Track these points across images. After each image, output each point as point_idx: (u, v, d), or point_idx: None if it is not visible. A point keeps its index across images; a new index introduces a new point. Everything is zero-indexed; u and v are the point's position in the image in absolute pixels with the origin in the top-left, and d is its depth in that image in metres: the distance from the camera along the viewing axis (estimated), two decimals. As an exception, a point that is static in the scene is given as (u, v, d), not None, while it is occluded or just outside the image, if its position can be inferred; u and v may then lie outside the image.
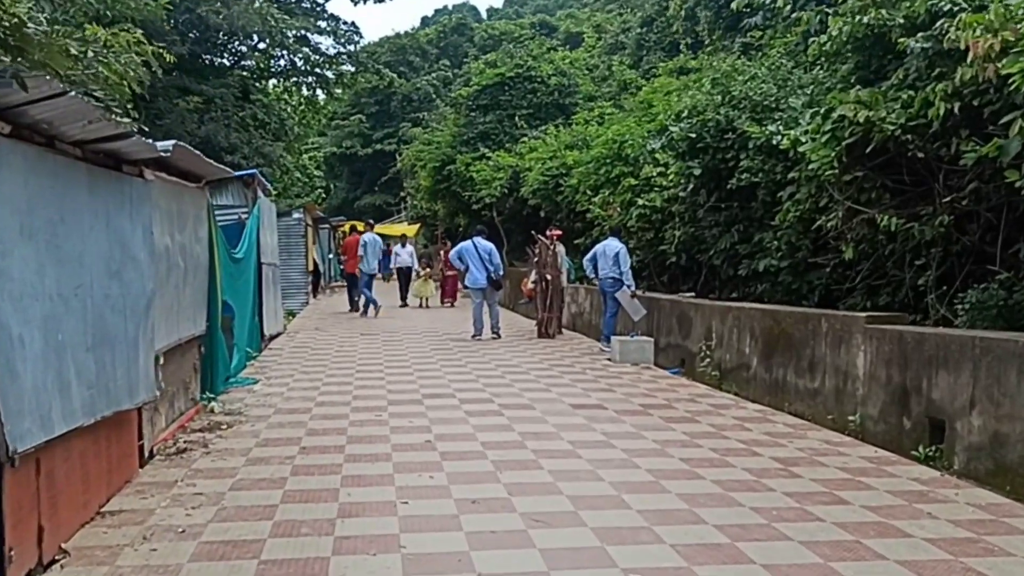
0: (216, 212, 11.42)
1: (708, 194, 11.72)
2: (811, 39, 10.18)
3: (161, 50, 7.97)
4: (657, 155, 13.49)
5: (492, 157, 24.34)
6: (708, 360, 10.17)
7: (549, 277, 14.46)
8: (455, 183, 27.11)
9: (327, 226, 29.78)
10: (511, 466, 6.25)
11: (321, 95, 32.88)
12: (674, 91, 17.27)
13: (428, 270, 22.42)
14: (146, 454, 6.27)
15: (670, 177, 12.86)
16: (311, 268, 22.71)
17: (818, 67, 10.81)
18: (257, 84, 29.31)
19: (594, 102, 26.16)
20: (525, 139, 23.84)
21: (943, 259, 7.81)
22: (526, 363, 11.69)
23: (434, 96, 50.77)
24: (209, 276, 8.12)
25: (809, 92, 10.52)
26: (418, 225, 41.71)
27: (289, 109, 30.74)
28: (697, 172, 11.37)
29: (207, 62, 21.65)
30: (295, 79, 29.77)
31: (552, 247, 14.58)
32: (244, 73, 27.39)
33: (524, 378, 10.35)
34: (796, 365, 8.36)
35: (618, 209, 15.31)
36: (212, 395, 8.53)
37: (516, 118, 26.02)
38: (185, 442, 6.99)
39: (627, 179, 14.39)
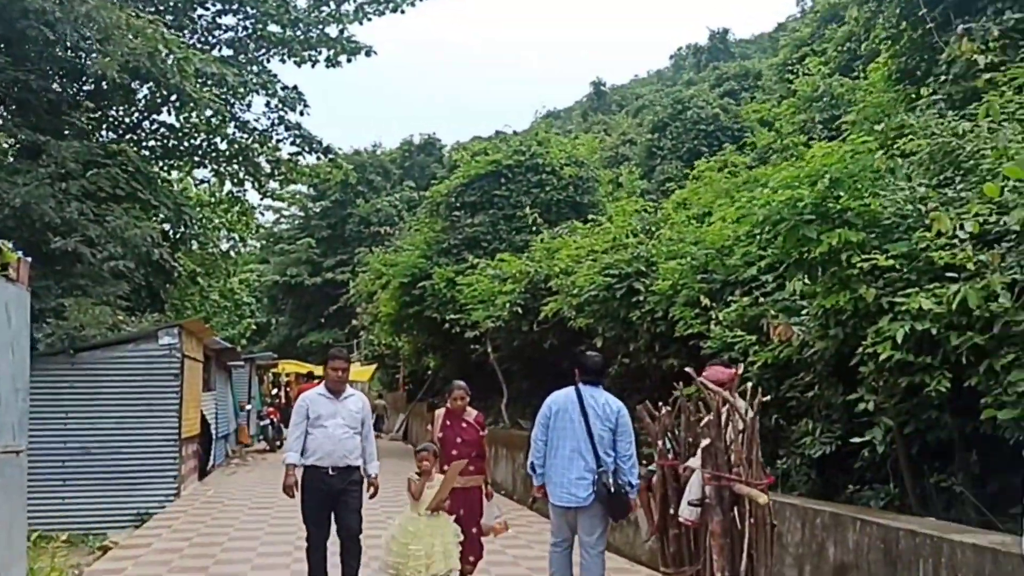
0: None
1: None
2: None
3: None
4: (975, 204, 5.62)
5: (492, 265, 16.37)
6: None
7: (748, 492, 4.85)
8: (430, 305, 19.04)
9: (242, 364, 20.95)
10: None
11: (253, 195, 25.14)
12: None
13: (432, 473, 6.79)
14: None
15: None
16: (198, 431, 13.90)
17: None
18: (166, 169, 21.50)
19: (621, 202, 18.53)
20: (540, 240, 15.93)
21: None
22: None
23: (396, 219, 43.31)
24: None
25: None
26: (373, 367, 33.20)
27: (203, 208, 22.90)
28: None
29: (43, 95, 13.59)
30: (216, 167, 21.95)
31: (741, 409, 5.38)
32: (144, 152, 19.58)
33: None
34: None
35: (793, 330, 7.53)
36: None
37: (527, 210, 18.15)
38: None
39: (856, 258, 6.43)
